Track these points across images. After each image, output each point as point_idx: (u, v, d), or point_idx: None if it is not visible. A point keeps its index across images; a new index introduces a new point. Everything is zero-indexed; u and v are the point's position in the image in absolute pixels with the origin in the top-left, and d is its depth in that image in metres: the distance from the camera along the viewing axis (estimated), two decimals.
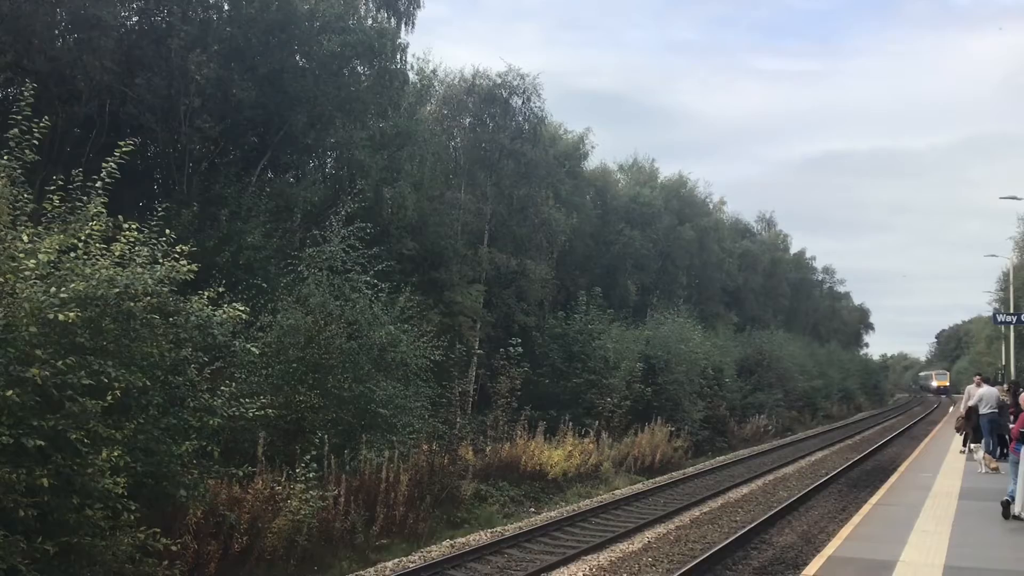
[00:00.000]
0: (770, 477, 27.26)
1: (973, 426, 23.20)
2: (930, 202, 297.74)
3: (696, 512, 20.28)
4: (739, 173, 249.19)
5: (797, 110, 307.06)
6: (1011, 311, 46.75)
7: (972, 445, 22.54)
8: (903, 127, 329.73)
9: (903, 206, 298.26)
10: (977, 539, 12.71)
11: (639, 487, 24.13)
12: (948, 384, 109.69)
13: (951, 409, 49.54)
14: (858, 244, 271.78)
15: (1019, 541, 12.68)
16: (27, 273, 10.23)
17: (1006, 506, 14.16)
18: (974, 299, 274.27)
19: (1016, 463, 14.30)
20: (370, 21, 26.95)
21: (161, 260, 11.89)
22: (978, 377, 26.14)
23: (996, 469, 19.71)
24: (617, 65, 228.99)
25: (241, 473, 13.27)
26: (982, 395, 22.22)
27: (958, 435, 26.19)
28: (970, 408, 22.90)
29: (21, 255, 10.39)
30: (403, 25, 28.21)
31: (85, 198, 11.94)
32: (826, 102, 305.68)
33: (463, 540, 16.60)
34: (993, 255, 78.88)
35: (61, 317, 9.79)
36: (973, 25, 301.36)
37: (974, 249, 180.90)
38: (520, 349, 27.30)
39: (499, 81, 34.05)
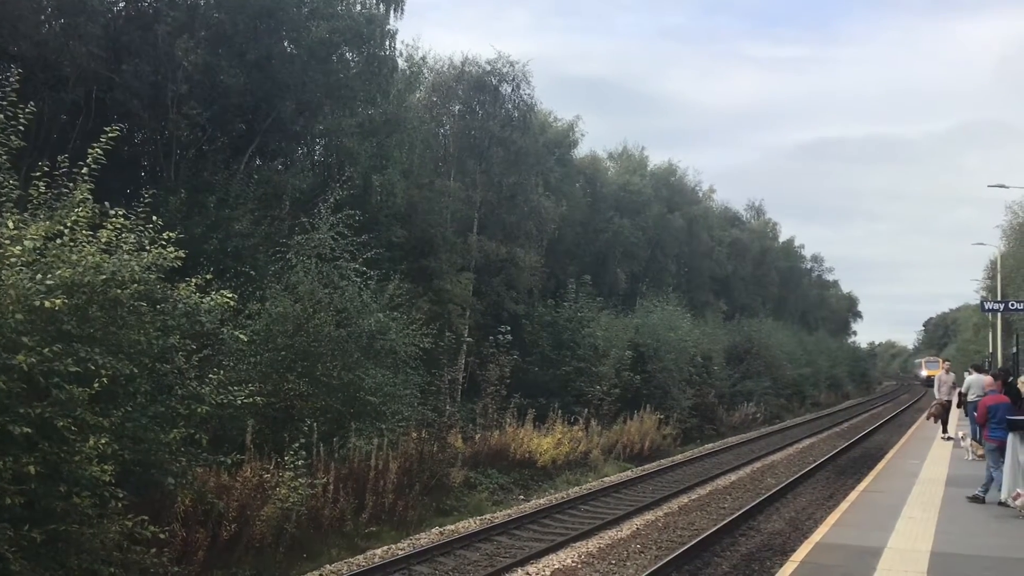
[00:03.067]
0: (758, 464, 27.37)
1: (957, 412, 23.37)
2: (923, 190, 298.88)
3: (685, 499, 20.35)
4: (731, 160, 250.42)
5: (790, 97, 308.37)
6: (998, 299, 46.94)
7: (960, 432, 22.66)
8: (898, 114, 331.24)
9: (896, 194, 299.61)
10: (964, 526, 12.78)
11: (628, 474, 24.20)
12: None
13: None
14: (850, 232, 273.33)
15: (1005, 527, 12.76)
16: (13, 260, 10.17)
17: (979, 499, 14.33)
18: (962, 287, 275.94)
19: (993, 450, 14.44)
20: (359, 7, 26.74)
21: (148, 247, 11.85)
22: (947, 363, 26.40)
23: (983, 456, 19.81)
24: (608, 51, 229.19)
25: (229, 461, 13.25)
26: (971, 382, 22.30)
27: (934, 423, 26.34)
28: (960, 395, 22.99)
29: (7, 242, 10.33)
30: (392, 11, 28.01)
31: (71, 184, 11.89)
32: (820, 89, 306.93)
33: (452, 527, 16.63)
34: (981, 243, 79.09)
35: (47, 304, 9.74)
36: (968, 12, 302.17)
37: (965, 237, 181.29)
38: (509, 337, 27.32)
39: (489, 68, 33.94)
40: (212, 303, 12.83)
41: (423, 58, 34.34)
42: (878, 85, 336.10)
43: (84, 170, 11.87)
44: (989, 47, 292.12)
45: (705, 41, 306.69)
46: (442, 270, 30.05)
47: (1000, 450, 14.23)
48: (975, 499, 14.45)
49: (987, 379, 22.56)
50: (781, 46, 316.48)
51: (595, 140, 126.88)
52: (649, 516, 18.11)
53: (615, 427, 29.04)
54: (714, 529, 15.96)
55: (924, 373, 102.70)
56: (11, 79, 12.47)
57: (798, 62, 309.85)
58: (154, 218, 12.57)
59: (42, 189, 11.73)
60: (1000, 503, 13.94)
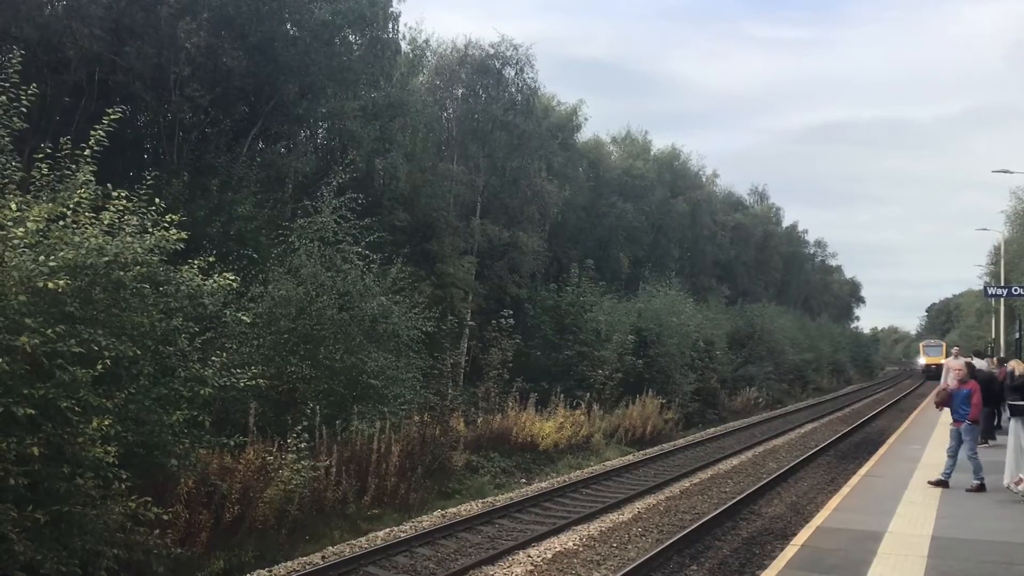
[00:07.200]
0: (760, 449, 27.39)
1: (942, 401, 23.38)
2: (931, 174, 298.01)
3: (686, 483, 20.38)
4: (736, 144, 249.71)
5: (796, 79, 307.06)
6: (1002, 285, 46.89)
7: None
8: (907, 97, 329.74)
9: (903, 179, 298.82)
10: (964, 510, 12.82)
11: (630, 458, 24.22)
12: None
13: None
14: (855, 217, 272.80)
15: (1005, 512, 12.80)
16: (16, 242, 10.16)
17: (943, 484, 14.57)
18: (966, 273, 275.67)
19: (957, 436, 14.64)
20: None
21: (151, 229, 11.85)
22: (956, 350, 26.34)
23: (984, 441, 19.84)
24: (611, 33, 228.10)
25: (232, 443, 13.27)
26: None
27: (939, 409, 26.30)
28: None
29: (10, 223, 10.32)
30: None
31: (74, 167, 11.88)
32: (826, 71, 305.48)
33: (454, 510, 16.67)
34: (985, 229, 78.80)
35: (51, 285, 9.75)
36: None
37: (971, 222, 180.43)
38: (512, 321, 27.29)
39: (492, 52, 33.93)
40: (215, 285, 12.85)
41: (426, 41, 34.37)
42: (886, 67, 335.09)
43: (87, 152, 11.86)
44: (1001, 29, 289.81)
45: (708, 21, 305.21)
46: (445, 254, 30.07)
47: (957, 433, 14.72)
48: (939, 483, 14.60)
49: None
50: (786, 27, 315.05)
51: (598, 123, 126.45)
52: (651, 500, 18.14)
53: (617, 411, 29.05)
54: (715, 513, 15.97)
55: (923, 360, 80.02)
56: (13, 61, 12.42)
57: (803, 43, 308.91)
58: (157, 200, 12.57)
59: (45, 171, 11.73)
60: (1006, 488, 14.02)
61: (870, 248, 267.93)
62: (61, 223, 10.93)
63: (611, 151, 52.83)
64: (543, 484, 19.99)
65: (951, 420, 15.07)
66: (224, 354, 13.31)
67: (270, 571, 12.30)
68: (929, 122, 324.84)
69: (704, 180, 63.66)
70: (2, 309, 9.63)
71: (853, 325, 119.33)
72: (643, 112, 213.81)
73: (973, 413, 14.54)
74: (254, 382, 13.27)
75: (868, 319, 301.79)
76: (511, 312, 28.06)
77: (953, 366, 24.41)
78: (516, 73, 34.36)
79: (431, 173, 31.03)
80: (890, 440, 23.23)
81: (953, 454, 14.72)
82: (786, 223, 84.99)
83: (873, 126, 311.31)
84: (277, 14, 23.75)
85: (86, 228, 11.02)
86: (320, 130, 29.16)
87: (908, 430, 25.73)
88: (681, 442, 28.62)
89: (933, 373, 62.99)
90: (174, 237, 11.93)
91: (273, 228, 21.00)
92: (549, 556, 13.25)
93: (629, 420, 28.65)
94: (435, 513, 16.43)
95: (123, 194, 11.88)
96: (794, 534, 12.37)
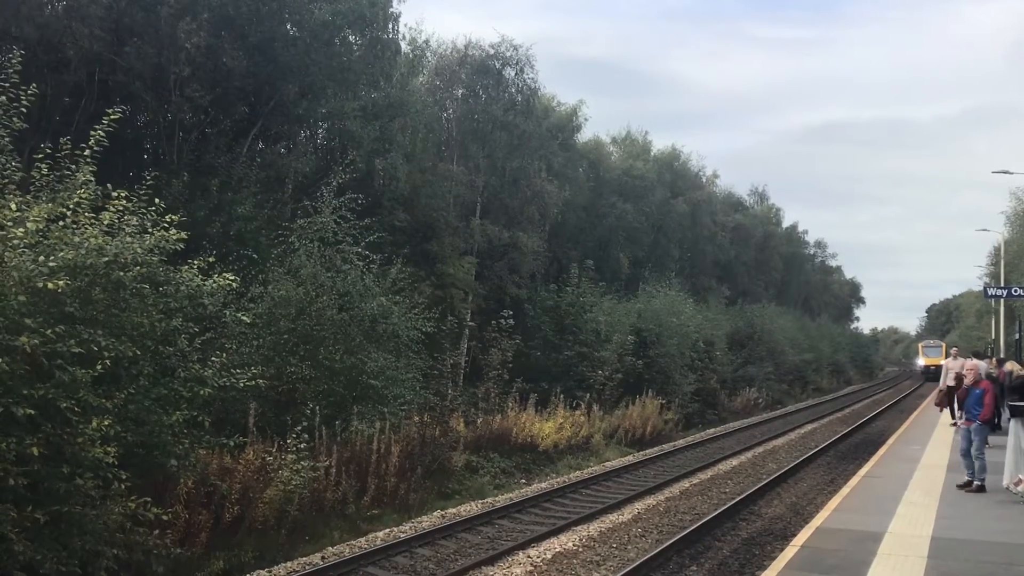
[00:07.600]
0: (760, 449, 27.39)
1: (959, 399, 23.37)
2: (931, 174, 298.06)
3: (686, 484, 20.37)
4: (736, 144, 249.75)
5: (796, 79, 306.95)
6: (1002, 285, 46.87)
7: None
8: (906, 96, 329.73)
9: (903, 179, 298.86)
10: (964, 511, 12.81)
11: (629, 459, 24.22)
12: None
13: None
14: (856, 217, 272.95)
15: (1005, 512, 12.79)
16: (15, 242, 10.16)
17: (969, 485, 14.51)
18: (966, 273, 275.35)
19: (967, 436, 14.66)
20: None
21: (151, 229, 11.85)
22: (955, 350, 26.33)
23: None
24: (611, 33, 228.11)
25: (232, 443, 13.26)
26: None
27: (940, 410, 26.30)
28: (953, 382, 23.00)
29: (9, 224, 10.33)
30: None
31: (74, 167, 11.88)
32: (827, 71, 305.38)
33: (454, 511, 16.67)
34: (985, 229, 78.67)
35: (51, 285, 9.76)
36: None
37: (971, 222, 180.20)
38: (512, 321, 27.28)
39: (492, 52, 33.94)
40: (215, 286, 12.86)
41: (426, 41, 34.38)
42: (886, 67, 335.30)
43: (86, 152, 11.87)
44: (1002, 29, 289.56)
45: (708, 21, 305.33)
46: (445, 254, 30.07)
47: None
48: (967, 485, 14.59)
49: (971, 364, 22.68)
50: (786, 27, 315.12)
51: (598, 123, 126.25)
52: (650, 500, 18.13)
53: (617, 412, 29.05)
54: (715, 514, 15.97)
55: (921, 361, 79.81)
56: (13, 61, 12.43)
57: (804, 43, 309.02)
58: (156, 200, 12.57)
59: (45, 171, 11.74)
60: (1006, 488, 14.01)
61: (870, 248, 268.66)
62: (61, 223, 10.93)
63: (611, 151, 52.85)
64: (543, 484, 19.99)
65: (962, 419, 15.04)
66: (224, 354, 13.30)
67: (270, 571, 12.30)
68: (929, 122, 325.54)
69: (704, 180, 63.69)
70: (2, 309, 9.63)
71: (853, 326, 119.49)
72: (643, 112, 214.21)
73: (985, 413, 14.53)
74: (254, 382, 13.28)
75: (868, 319, 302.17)
76: (511, 312, 28.04)
77: (952, 366, 24.47)
78: (516, 73, 34.40)
79: (431, 173, 31.03)
80: (890, 441, 23.23)
81: (967, 454, 14.71)
82: (786, 223, 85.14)
83: (873, 126, 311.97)
84: (277, 14, 23.73)
85: (86, 228, 11.02)
86: (320, 130, 29.16)
87: (908, 431, 25.72)
88: (681, 443, 28.62)
89: (932, 374, 61.34)
90: (174, 237, 11.94)
91: (273, 228, 21.00)
92: (549, 556, 13.25)
93: (629, 421, 28.65)
94: (435, 513, 16.43)
95: (123, 194, 11.88)
96: (794, 535, 12.37)
